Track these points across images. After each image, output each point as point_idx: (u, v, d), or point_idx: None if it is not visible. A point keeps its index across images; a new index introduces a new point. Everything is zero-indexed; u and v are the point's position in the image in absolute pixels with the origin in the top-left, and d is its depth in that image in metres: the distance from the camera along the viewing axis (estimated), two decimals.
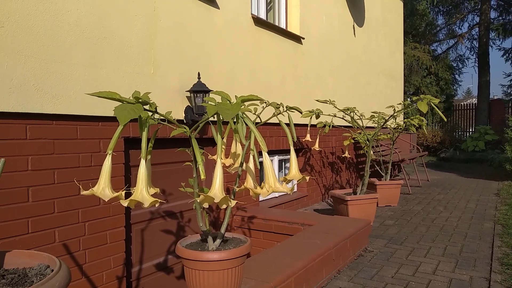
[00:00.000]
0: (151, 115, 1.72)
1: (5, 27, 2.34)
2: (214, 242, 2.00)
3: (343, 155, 5.68)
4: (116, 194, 1.59)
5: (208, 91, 3.54)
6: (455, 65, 19.47)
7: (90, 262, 2.79)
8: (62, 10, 2.63)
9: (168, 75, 3.45)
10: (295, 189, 5.64)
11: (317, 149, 4.96)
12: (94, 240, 2.82)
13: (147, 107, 1.66)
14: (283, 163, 5.61)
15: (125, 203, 1.57)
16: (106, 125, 2.93)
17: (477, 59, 17.56)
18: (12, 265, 1.34)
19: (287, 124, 2.06)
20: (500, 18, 18.26)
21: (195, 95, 3.54)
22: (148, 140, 1.71)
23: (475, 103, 17.29)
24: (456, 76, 19.53)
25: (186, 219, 3.78)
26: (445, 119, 4.27)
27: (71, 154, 2.71)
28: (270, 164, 1.71)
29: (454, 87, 19.36)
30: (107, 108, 2.87)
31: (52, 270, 1.25)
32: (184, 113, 3.60)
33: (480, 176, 8.93)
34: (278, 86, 5.00)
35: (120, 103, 1.56)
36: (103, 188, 1.58)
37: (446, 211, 5.24)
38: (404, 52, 11.12)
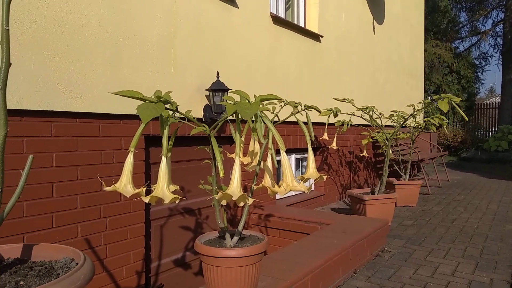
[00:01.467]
0: (172, 114, 1.76)
1: (32, 28, 2.41)
2: (232, 239, 2.03)
3: (361, 154, 5.64)
4: (137, 190, 1.63)
5: (226, 90, 3.58)
6: (477, 63, 19.05)
7: (111, 256, 2.86)
8: (86, 10, 2.70)
9: (188, 74, 3.50)
10: (312, 188, 5.64)
11: (335, 148, 4.94)
12: (115, 236, 2.90)
13: (168, 106, 1.70)
14: (300, 161, 5.61)
15: (146, 199, 1.61)
16: (128, 123, 3.00)
17: (501, 57, 17.12)
18: (39, 258, 1.40)
19: (305, 123, 2.07)
20: None
21: (213, 93, 3.58)
22: (169, 138, 1.74)
23: (499, 102, 16.86)
24: (479, 74, 19.12)
25: (204, 216, 3.83)
26: (467, 119, 4.19)
27: (94, 151, 2.78)
28: (288, 163, 1.73)
29: (477, 86, 18.96)
30: (128, 107, 2.93)
31: (77, 264, 1.29)
32: (203, 111, 3.64)
33: (502, 176, 8.72)
34: (295, 85, 5.00)
35: (143, 102, 1.60)
36: (125, 185, 1.63)
37: (466, 212, 5.15)
38: (425, 50, 10.93)
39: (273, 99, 1.81)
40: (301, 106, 2.45)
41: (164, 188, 1.63)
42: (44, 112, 2.50)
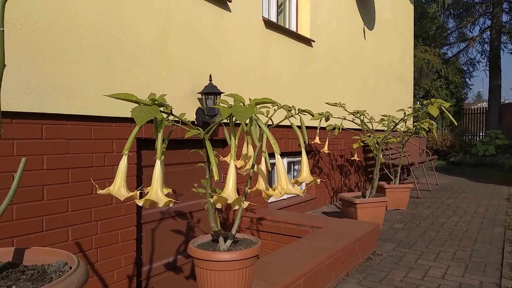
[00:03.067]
0: (166, 117, 1.75)
1: (24, 29, 2.39)
2: (225, 242, 2.03)
3: (352, 158, 5.68)
4: (131, 193, 1.62)
5: (219, 93, 3.58)
6: (465, 68, 19.35)
7: (102, 260, 2.83)
8: (78, 12, 2.68)
9: (180, 77, 3.49)
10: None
11: (326, 152, 4.97)
12: (106, 239, 2.87)
13: (162, 108, 1.70)
14: (292, 165, 5.62)
15: (140, 203, 1.60)
16: (120, 125, 2.97)
17: (488, 63, 17.43)
18: (31, 262, 1.38)
19: (299, 127, 2.08)
20: None
21: (206, 97, 3.57)
22: (162, 141, 1.74)
23: (486, 107, 17.15)
24: (467, 79, 19.41)
25: (196, 220, 3.81)
26: (456, 123, 4.25)
27: (85, 154, 2.75)
28: (283, 166, 1.74)
29: (465, 91, 19.24)
30: (120, 109, 2.91)
31: (71, 268, 1.28)
32: (196, 114, 3.63)
33: (490, 180, 8.85)
34: (287, 89, 5.02)
35: (137, 104, 1.59)
36: (119, 188, 1.62)
37: (455, 215, 5.21)
38: (414, 55, 11.07)
39: (268, 103, 1.82)
40: (294, 110, 2.47)
41: (158, 192, 1.62)
42: (35, 114, 2.47)
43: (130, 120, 2.99)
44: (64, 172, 2.63)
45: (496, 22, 16.47)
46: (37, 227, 2.49)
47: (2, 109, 2.24)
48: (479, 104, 27.15)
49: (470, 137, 16.91)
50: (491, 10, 17.11)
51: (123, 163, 1.62)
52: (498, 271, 3.14)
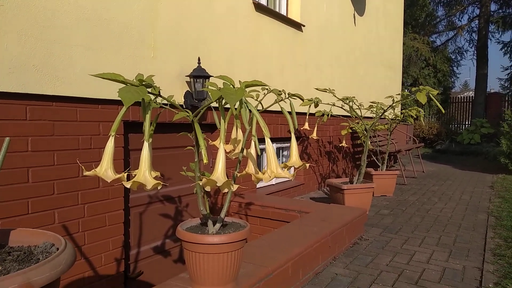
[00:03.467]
0: (154, 99, 1.72)
1: (5, 6, 2.31)
2: (214, 226, 2.02)
3: (340, 145, 5.71)
4: (118, 175, 1.59)
5: (208, 77, 3.53)
6: (453, 57, 19.50)
7: (89, 243, 2.81)
8: None
9: (168, 59, 3.43)
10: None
11: (315, 138, 4.97)
12: (93, 222, 2.84)
13: (150, 90, 1.66)
14: (281, 151, 5.63)
15: (127, 185, 1.58)
16: (106, 107, 2.92)
17: (475, 52, 17.60)
18: (17, 243, 1.35)
19: (289, 112, 2.07)
20: (500, 11, 18.24)
21: (195, 80, 3.53)
22: (150, 123, 1.71)
23: (472, 96, 17.36)
24: (454, 68, 19.59)
25: (184, 204, 3.80)
26: (443, 111, 4.27)
27: (71, 136, 2.70)
28: (273, 150, 1.73)
29: (452, 80, 19.43)
30: (107, 91, 2.86)
31: (58, 249, 1.26)
32: (184, 98, 3.59)
33: (475, 168, 9.01)
34: (277, 74, 4.99)
35: (124, 85, 1.55)
36: (106, 169, 1.59)
37: (440, 202, 5.30)
38: (403, 43, 11.09)
39: (258, 85, 1.80)
40: (284, 94, 2.45)
41: (146, 174, 1.60)
42: (18, 94, 2.41)
43: (117, 102, 2.94)
44: (50, 154, 2.58)
45: (485, 11, 16.58)
46: (23, 210, 2.45)
47: None
48: (465, 93, 27.48)
49: (456, 125, 17.14)
50: None
51: (110, 144, 1.59)
52: (480, 256, 3.21)
